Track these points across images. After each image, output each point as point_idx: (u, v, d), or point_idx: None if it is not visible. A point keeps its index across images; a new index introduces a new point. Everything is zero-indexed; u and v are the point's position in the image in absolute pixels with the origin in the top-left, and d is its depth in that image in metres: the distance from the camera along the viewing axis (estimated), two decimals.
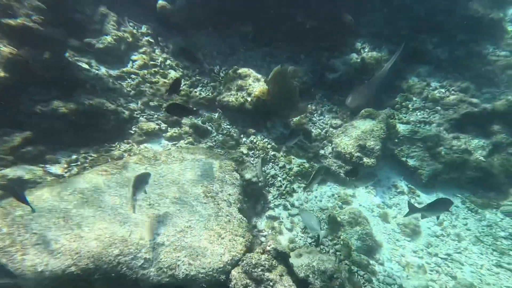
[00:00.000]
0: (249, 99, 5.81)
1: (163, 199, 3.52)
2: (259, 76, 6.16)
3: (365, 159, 5.56)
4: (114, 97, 5.05)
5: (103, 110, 4.45)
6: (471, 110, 5.79)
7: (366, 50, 7.57)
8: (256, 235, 4.44)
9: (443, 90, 6.84)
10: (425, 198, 5.52)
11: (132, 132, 4.89)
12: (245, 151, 5.54)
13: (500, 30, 8.04)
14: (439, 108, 6.48)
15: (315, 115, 6.61)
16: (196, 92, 6.13)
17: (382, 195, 5.55)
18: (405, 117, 6.32)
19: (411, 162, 5.66)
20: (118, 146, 4.59)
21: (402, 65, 7.43)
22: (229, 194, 3.97)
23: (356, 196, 5.51)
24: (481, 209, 5.26)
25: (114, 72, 5.50)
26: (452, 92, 6.77)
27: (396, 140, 5.81)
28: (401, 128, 5.82)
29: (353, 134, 5.80)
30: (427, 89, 6.88)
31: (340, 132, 6.00)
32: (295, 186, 5.46)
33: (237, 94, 5.86)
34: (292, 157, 5.88)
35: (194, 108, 5.45)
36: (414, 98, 6.72)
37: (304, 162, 5.81)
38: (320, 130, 6.26)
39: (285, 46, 7.43)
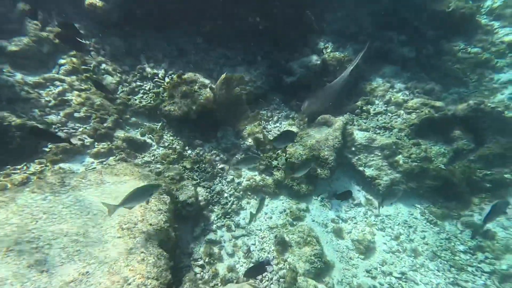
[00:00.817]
0: (194, 107, 5.32)
1: (58, 238, 3.01)
2: (207, 81, 5.69)
3: (319, 170, 5.22)
4: (26, 108, 4.44)
5: (4, 126, 3.86)
6: (431, 115, 5.54)
7: (328, 50, 7.21)
8: (189, 265, 4.02)
9: (407, 92, 6.59)
10: (383, 210, 5.24)
11: (48, 149, 4.31)
12: (188, 166, 5.07)
13: (473, 24, 7.86)
14: (402, 112, 6.20)
15: (270, 122, 6.20)
16: (136, 100, 5.57)
17: (337, 208, 5.24)
18: (365, 122, 6.02)
19: (368, 171, 5.37)
20: (25, 168, 4.01)
21: (367, 66, 7.16)
22: (150, 224, 3.50)
23: (310, 210, 5.18)
24: (440, 221, 5.04)
25: (32, 79, 4.86)
26: (417, 94, 6.52)
27: (354, 149, 5.48)
28: (358, 135, 5.50)
29: (308, 143, 5.45)
30: (391, 92, 6.61)
31: (295, 141, 5.61)
32: (243, 202, 5.07)
33: (180, 102, 5.36)
34: (242, 169, 5.46)
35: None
36: (377, 102, 6.43)
37: (255, 175, 5.41)
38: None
39: (241, 47, 6.95)
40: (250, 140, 5.77)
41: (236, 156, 5.57)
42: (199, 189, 4.82)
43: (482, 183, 5.13)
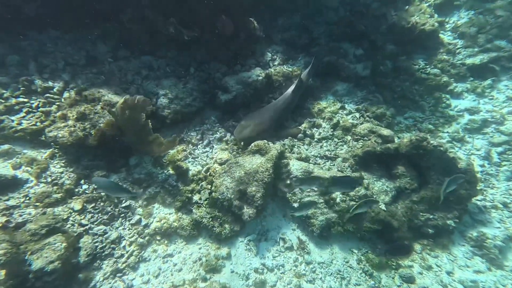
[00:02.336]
0: (93, 133, 4.46)
1: None
2: (116, 99, 4.83)
3: (245, 209, 4.56)
4: None
5: None
6: (372, 150, 5.06)
7: (276, 63, 6.59)
8: None
9: (357, 115, 6.11)
10: (317, 256, 4.68)
11: None
12: (78, 207, 4.21)
13: (435, 41, 7.59)
14: (349, 138, 5.70)
15: (199, 146, 5.45)
16: (13, 120, 4.60)
17: (264, 253, 4.61)
18: (306, 149, 5.44)
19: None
20: None
21: (319, 82, 6.65)
22: None
23: (232, 257, 4.51)
24: (377, 272, 4.55)
25: None
26: (367, 118, 6.06)
27: (288, 182, 4.88)
28: (294, 167, 4.91)
29: (236, 175, 4.77)
30: (341, 113, 6.10)
31: (223, 171, 4.92)
32: (148, 251, 4.29)
33: (74, 126, 4.47)
34: (155, 205, 4.68)
35: None
36: (324, 125, 5.88)
37: (170, 214, 4.65)
38: (201, 167, 5.12)
39: (173, 55, 6.15)
40: (168, 169, 5.00)
41: (149, 190, 4.78)
42: (84, 239, 3.97)
43: (424, 228, 4.71)
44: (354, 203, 4.67)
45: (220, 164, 5.16)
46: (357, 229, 4.73)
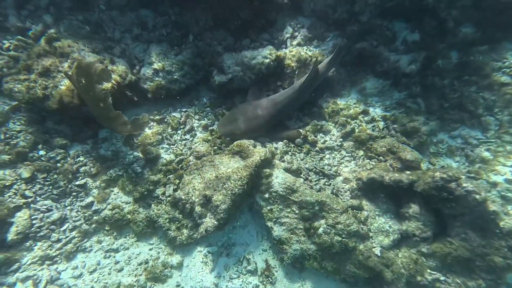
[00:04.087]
0: (53, 95, 4.05)
1: None
2: (92, 59, 4.31)
3: (206, 218, 4.03)
4: None
5: None
6: (378, 177, 4.10)
7: (294, 42, 5.55)
8: None
9: (381, 125, 4.97)
10: None
11: None
12: (26, 175, 3.97)
13: None
14: (360, 153, 4.74)
15: (179, 131, 4.87)
16: None
17: (221, 271, 4.14)
18: (301, 159, 4.63)
19: (277, 231, 4.14)
20: None
21: (343, 73, 5.43)
22: None
23: (183, 268, 4.10)
24: None
25: None
26: (392, 131, 4.93)
27: (267, 195, 4.20)
28: (277, 180, 4.18)
29: (207, 176, 4.19)
30: (360, 119, 5.03)
31: (196, 167, 4.36)
32: (91, 241, 4.00)
33: (35, 82, 4.07)
34: (114, 190, 4.31)
35: None
36: (333, 131, 4.94)
37: (126, 203, 4.27)
38: (174, 157, 4.59)
39: (176, 13, 5.33)
40: (138, 152, 4.54)
41: (110, 172, 4.39)
42: (20, 214, 3.73)
43: None
44: (340, 239, 3.91)
45: (197, 158, 4.59)
46: (336, 270, 4.00)
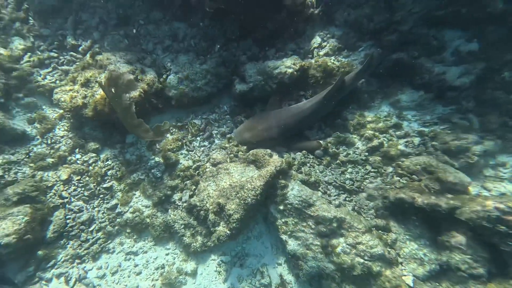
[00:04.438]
0: (90, 103, 4.48)
1: None
2: (125, 69, 4.70)
3: (220, 227, 4.07)
4: None
5: None
6: (409, 198, 3.75)
7: (321, 52, 5.42)
8: None
9: (416, 141, 4.56)
10: None
11: None
12: (64, 176, 4.40)
13: None
14: (390, 170, 4.42)
15: (198, 138, 5.03)
16: (39, 75, 4.93)
17: (235, 282, 4.12)
18: (320, 171, 4.46)
19: (291, 245, 4.02)
20: None
21: (375, 84, 5.14)
22: None
23: (197, 275, 4.18)
24: None
25: None
26: (431, 149, 4.47)
27: (282, 207, 4.12)
28: (293, 192, 4.08)
29: (221, 184, 4.26)
30: (391, 134, 4.70)
31: (211, 174, 4.46)
32: (115, 242, 4.27)
33: (77, 92, 4.55)
34: (136, 193, 4.58)
35: None
36: (358, 144, 4.69)
37: (146, 207, 4.50)
38: (192, 163, 4.75)
39: (206, 25, 5.58)
40: (160, 157, 4.78)
41: (133, 175, 4.68)
42: (57, 213, 4.13)
43: None
44: (361, 260, 3.66)
45: (213, 165, 4.67)
46: None
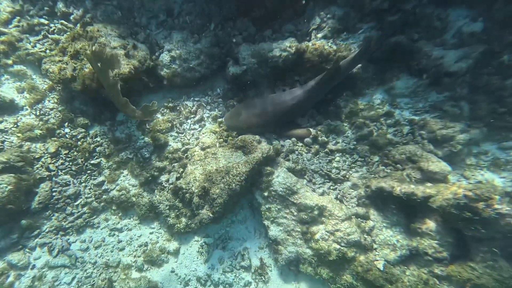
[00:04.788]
0: (79, 75, 4.43)
1: None
2: (116, 43, 4.61)
3: (204, 210, 4.14)
4: None
5: None
6: (388, 187, 3.78)
7: (320, 35, 5.25)
8: None
9: (405, 130, 4.56)
10: None
11: None
12: (52, 149, 4.43)
13: None
14: (376, 159, 4.43)
15: (189, 120, 5.00)
16: (28, 42, 4.83)
17: (215, 263, 4.24)
18: (308, 160, 4.47)
19: (273, 230, 4.11)
20: None
21: (371, 69, 4.98)
22: None
23: (179, 255, 4.28)
24: None
25: None
26: (418, 137, 4.48)
27: (266, 194, 4.16)
28: (278, 179, 4.10)
29: (208, 168, 4.28)
30: (381, 122, 4.66)
31: (199, 158, 4.47)
32: (99, 218, 4.36)
33: (66, 64, 4.49)
34: (124, 172, 4.63)
35: None
36: (348, 133, 4.66)
37: (133, 186, 4.56)
38: (181, 145, 4.76)
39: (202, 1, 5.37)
40: (149, 137, 4.78)
41: (122, 154, 4.70)
42: (43, 185, 4.19)
43: None
44: (338, 246, 3.75)
45: (202, 149, 4.67)
46: (332, 279, 3.86)
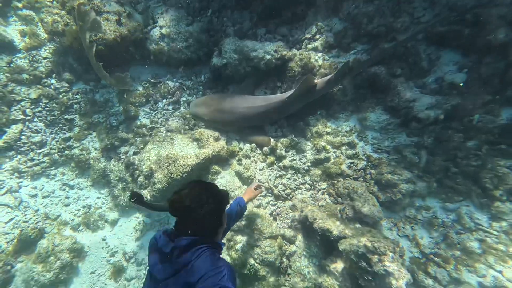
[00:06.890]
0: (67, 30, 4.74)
1: None
2: (113, 8, 4.85)
3: (146, 190, 4.42)
4: None
5: None
6: (311, 220, 3.77)
7: (311, 46, 5.07)
8: None
9: (360, 166, 4.38)
10: None
11: None
12: (34, 96, 4.85)
13: None
14: (323, 186, 4.40)
15: (164, 100, 5.21)
16: None
17: (145, 243, 4.55)
18: (259, 169, 4.55)
19: None
20: None
21: (351, 95, 4.77)
22: None
23: (115, 226, 4.65)
24: None
25: None
26: (368, 176, 4.32)
27: None
28: (221, 180, 4.26)
29: (162, 151, 4.51)
30: (342, 151, 4.54)
31: (159, 140, 4.70)
32: (58, 171, 4.81)
33: (61, 18, 4.82)
34: (92, 134, 5.01)
35: None
36: (308, 153, 4.59)
37: (95, 149, 4.95)
38: (149, 122, 5.01)
39: None
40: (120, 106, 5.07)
41: (94, 116, 5.04)
42: (14, 126, 4.65)
43: None
44: (253, 262, 3.88)
45: (167, 131, 4.88)
46: None
